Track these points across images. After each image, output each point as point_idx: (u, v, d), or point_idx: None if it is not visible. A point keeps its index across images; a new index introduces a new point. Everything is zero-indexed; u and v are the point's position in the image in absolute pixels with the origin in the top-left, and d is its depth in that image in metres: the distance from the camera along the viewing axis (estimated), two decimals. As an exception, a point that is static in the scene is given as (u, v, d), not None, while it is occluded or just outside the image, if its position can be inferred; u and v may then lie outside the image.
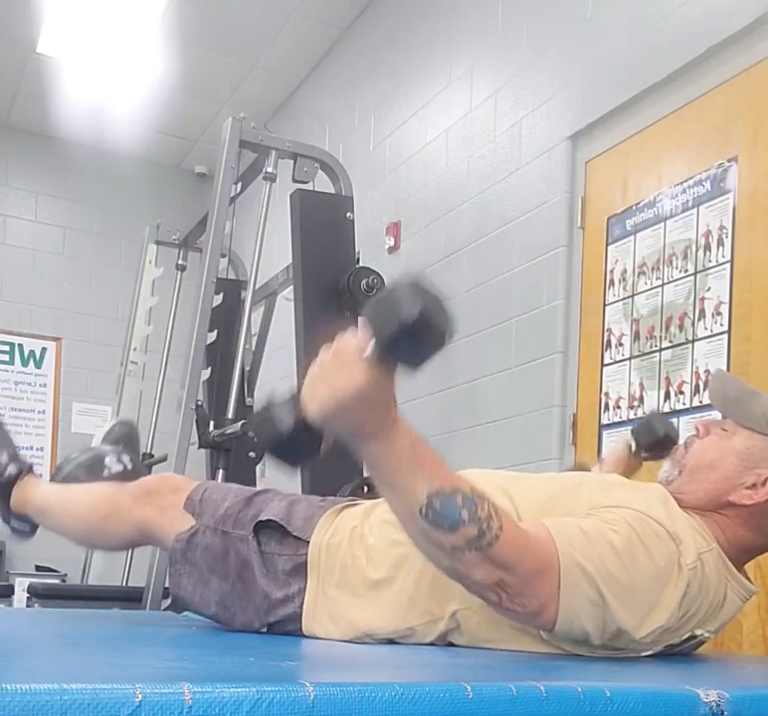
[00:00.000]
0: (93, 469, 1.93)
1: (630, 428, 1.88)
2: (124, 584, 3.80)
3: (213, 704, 0.59)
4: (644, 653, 1.20)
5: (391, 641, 1.31)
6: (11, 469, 1.83)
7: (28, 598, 3.36)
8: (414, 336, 0.96)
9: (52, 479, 1.97)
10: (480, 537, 1.01)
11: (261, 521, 1.41)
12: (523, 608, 1.09)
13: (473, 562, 1.03)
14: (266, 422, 1.05)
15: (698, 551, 1.19)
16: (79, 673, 0.77)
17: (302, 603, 1.35)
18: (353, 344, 1.01)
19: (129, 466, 1.96)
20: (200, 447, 2.93)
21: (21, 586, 3.78)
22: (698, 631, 1.23)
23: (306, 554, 1.36)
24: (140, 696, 0.57)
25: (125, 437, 2.28)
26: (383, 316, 0.97)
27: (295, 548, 1.38)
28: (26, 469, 1.84)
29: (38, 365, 5.50)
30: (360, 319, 1.03)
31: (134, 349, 4.09)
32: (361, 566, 1.33)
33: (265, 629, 1.41)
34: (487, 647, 1.26)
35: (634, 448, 1.71)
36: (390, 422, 1.01)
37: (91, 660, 0.93)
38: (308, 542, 1.37)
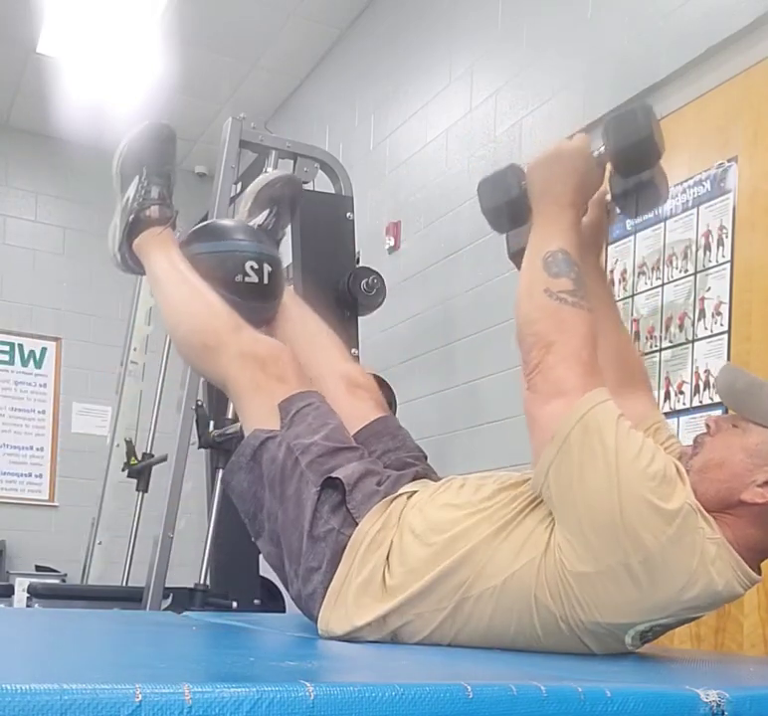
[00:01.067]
0: (225, 264, 1.69)
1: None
2: (124, 584, 3.80)
3: (213, 704, 0.59)
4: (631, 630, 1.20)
5: (393, 638, 1.31)
6: (153, 212, 1.71)
7: (28, 598, 3.36)
8: (636, 153, 1.29)
9: (181, 241, 1.77)
10: (569, 292, 1.25)
11: (330, 478, 1.37)
12: (547, 384, 1.21)
13: (549, 309, 1.25)
14: (493, 186, 1.37)
15: (706, 537, 1.18)
16: (79, 673, 0.77)
17: (328, 583, 1.33)
18: (585, 142, 1.31)
19: (266, 281, 1.70)
20: (200, 446, 2.93)
21: (21, 586, 3.77)
22: (693, 614, 1.23)
23: (348, 537, 1.34)
24: (140, 696, 0.57)
25: (289, 200, 1.91)
26: (622, 129, 1.27)
27: (342, 523, 1.35)
28: (168, 220, 1.71)
29: (38, 365, 5.50)
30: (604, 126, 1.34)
31: (134, 349, 4.09)
32: (383, 571, 1.32)
33: (288, 583, 1.39)
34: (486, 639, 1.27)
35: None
36: (576, 206, 1.31)
37: (91, 660, 0.93)
38: (356, 522, 1.35)
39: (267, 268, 1.71)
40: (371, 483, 1.40)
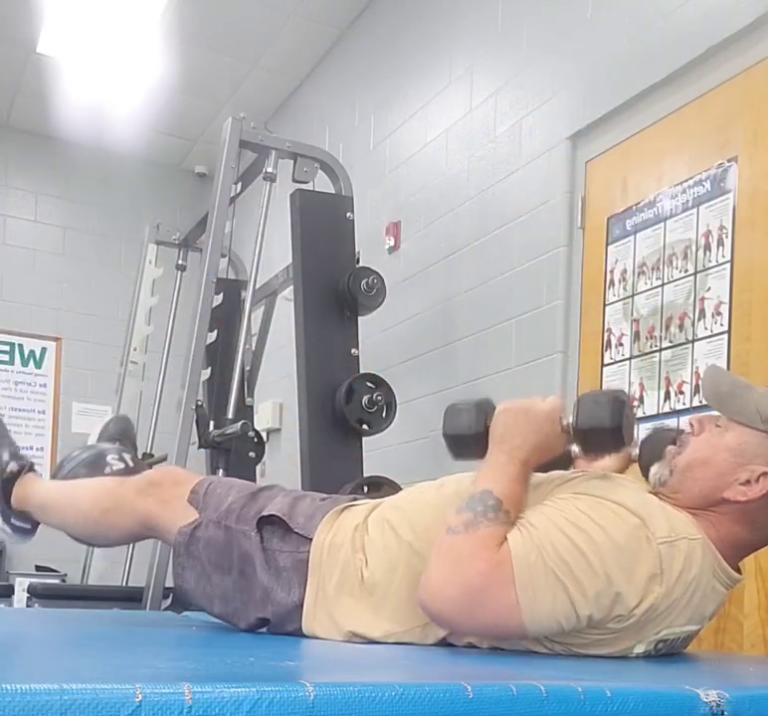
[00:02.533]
0: (94, 467, 1.93)
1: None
2: (124, 584, 3.80)
3: (213, 704, 0.59)
4: (637, 646, 1.21)
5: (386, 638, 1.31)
6: (12, 467, 1.83)
7: (28, 598, 3.36)
8: (603, 437, 1.28)
9: (53, 478, 1.98)
10: (467, 522, 1.18)
11: (264, 516, 1.41)
12: (492, 616, 1.15)
13: (442, 550, 1.18)
14: (458, 416, 1.37)
15: (684, 536, 1.19)
16: (79, 673, 0.77)
17: (302, 602, 1.35)
18: (555, 408, 1.29)
19: (131, 464, 1.96)
20: (200, 446, 2.93)
21: (21, 586, 3.78)
22: (689, 627, 1.24)
23: (307, 552, 1.36)
24: (140, 696, 0.57)
25: (122, 432, 2.26)
26: (591, 413, 1.28)
27: (297, 545, 1.38)
28: (27, 467, 1.84)
29: (38, 365, 5.50)
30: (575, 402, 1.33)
31: (134, 349, 4.09)
32: (359, 567, 1.33)
33: (265, 628, 1.41)
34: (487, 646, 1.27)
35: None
36: (528, 464, 1.27)
37: (91, 660, 0.93)
38: (310, 539, 1.37)
39: (126, 455, 1.99)
40: (306, 505, 1.44)
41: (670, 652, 1.29)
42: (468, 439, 1.35)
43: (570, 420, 1.30)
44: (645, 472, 1.44)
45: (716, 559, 1.23)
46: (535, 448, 1.28)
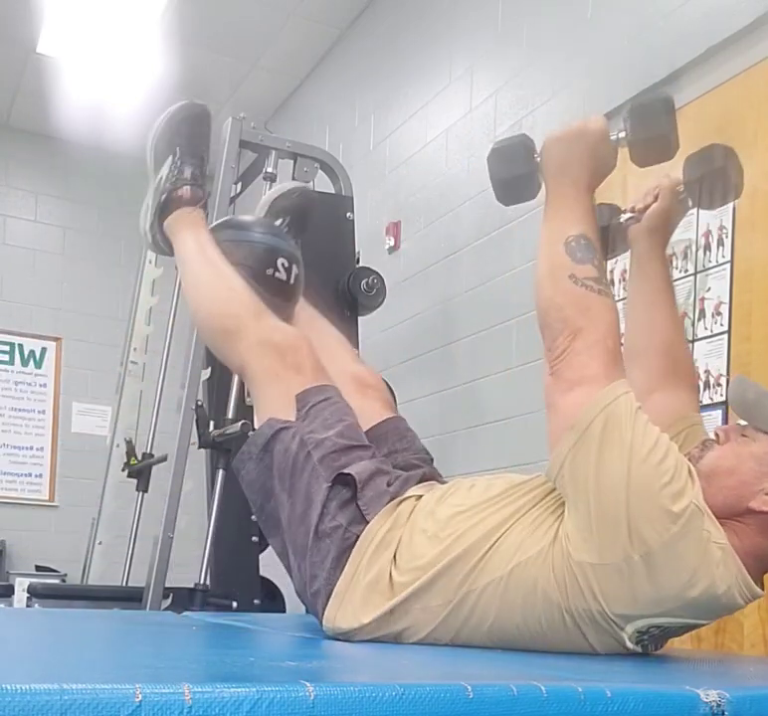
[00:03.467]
0: (259, 256, 1.68)
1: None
2: (124, 584, 3.80)
3: (213, 704, 0.59)
4: (629, 626, 1.21)
5: (397, 636, 1.31)
6: (185, 192, 1.69)
7: (28, 598, 3.36)
8: (653, 147, 1.28)
9: (214, 226, 1.76)
10: (594, 279, 1.24)
11: (342, 474, 1.37)
12: (571, 371, 1.22)
13: (575, 296, 1.24)
14: (505, 157, 1.38)
15: (712, 540, 1.17)
16: (79, 673, 0.77)
17: (333, 580, 1.33)
18: (606, 126, 1.30)
19: (292, 282, 1.69)
20: (200, 446, 2.92)
21: (21, 586, 3.77)
22: (691, 621, 1.23)
23: (355, 535, 1.33)
24: (140, 696, 0.57)
25: (302, 210, 1.92)
26: (644, 120, 1.27)
27: (350, 520, 1.35)
28: (200, 200, 1.70)
29: (38, 365, 5.50)
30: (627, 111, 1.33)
31: (134, 349, 4.09)
32: (390, 568, 1.32)
33: (293, 572, 1.39)
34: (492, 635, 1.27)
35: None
36: (592, 190, 1.30)
37: (91, 660, 0.93)
38: (365, 519, 1.34)
39: (294, 269, 1.70)
40: (381, 483, 1.40)
41: (664, 638, 1.28)
42: (519, 180, 1.36)
43: (620, 135, 1.30)
44: (690, 190, 1.44)
45: (740, 570, 1.20)
46: (595, 173, 1.31)
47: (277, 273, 1.66)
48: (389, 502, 1.37)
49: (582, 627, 1.23)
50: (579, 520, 1.20)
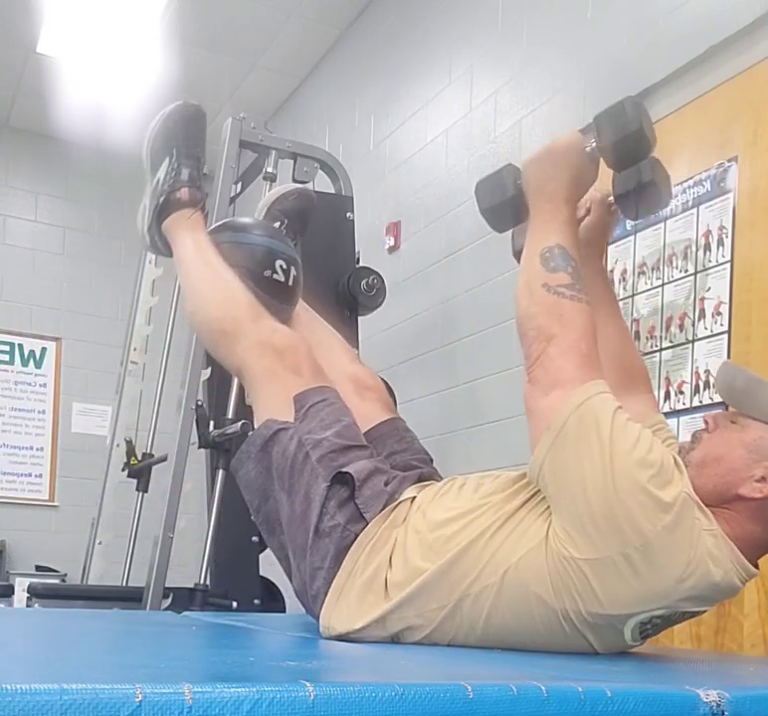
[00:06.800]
0: (257, 258, 1.68)
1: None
2: (124, 584, 3.80)
3: (213, 704, 0.59)
4: (630, 620, 1.20)
5: (394, 638, 1.31)
6: (183, 194, 1.69)
7: (28, 598, 3.36)
8: (627, 147, 1.30)
9: (212, 228, 1.76)
10: (567, 285, 1.27)
11: (340, 473, 1.37)
12: (547, 375, 1.23)
13: (548, 304, 1.27)
14: (489, 187, 1.40)
15: (703, 528, 1.19)
16: (79, 673, 0.77)
17: (331, 579, 1.34)
18: (576, 138, 1.34)
19: (290, 283, 1.69)
20: (200, 446, 2.92)
21: (21, 586, 3.78)
22: (691, 608, 1.23)
23: (353, 532, 1.34)
24: (140, 696, 0.57)
25: (301, 213, 1.92)
26: (611, 123, 1.31)
27: (348, 519, 1.35)
28: (198, 202, 1.70)
29: (38, 365, 5.50)
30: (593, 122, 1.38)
31: (134, 349, 4.09)
32: (386, 570, 1.32)
33: (292, 573, 1.40)
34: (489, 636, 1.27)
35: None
36: (572, 201, 1.33)
37: (91, 660, 0.93)
38: (363, 518, 1.35)
39: (293, 271, 1.70)
40: (379, 482, 1.40)
41: (666, 625, 1.28)
42: (505, 205, 1.38)
43: (593, 144, 1.34)
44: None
45: (733, 552, 1.21)
46: (572, 184, 1.34)
47: (275, 275, 1.66)
48: (387, 501, 1.38)
49: (581, 629, 1.23)
50: (567, 520, 1.21)
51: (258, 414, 1.48)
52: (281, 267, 1.67)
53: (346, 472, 1.37)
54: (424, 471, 1.55)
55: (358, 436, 1.49)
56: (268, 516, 1.45)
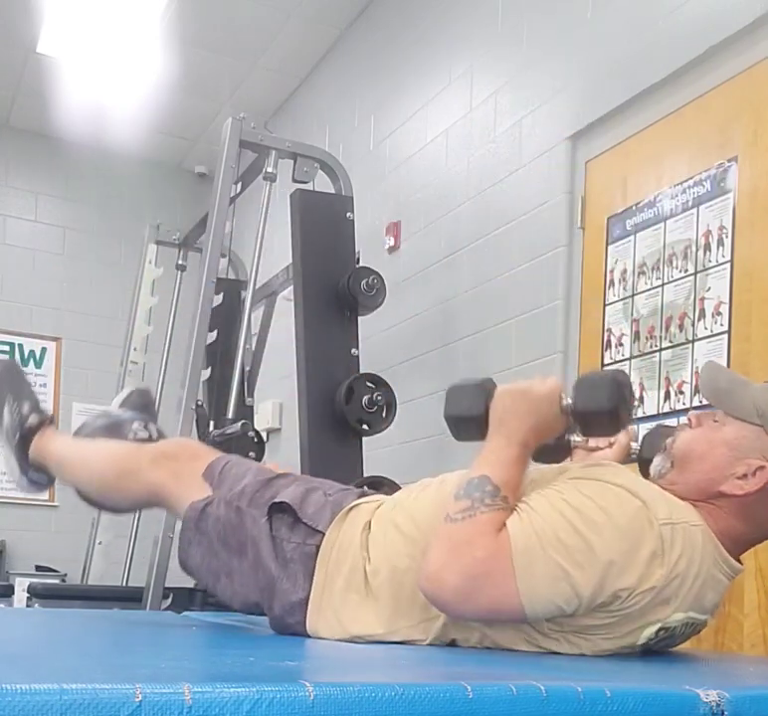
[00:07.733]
0: (116, 432, 1.91)
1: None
2: (124, 584, 3.81)
3: (213, 704, 0.59)
4: (641, 636, 1.20)
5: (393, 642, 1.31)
6: (33, 420, 1.86)
7: (28, 598, 3.36)
8: (602, 419, 1.28)
9: (88, 423, 1.99)
10: (465, 509, 1.20)
11: (275, 503, 1.41)
12: (491, 601, 1.17)
13: (442, 535, 1.20)
14: (459, 397, 1.36)
15: (685, 520, 1.20)
16: (79, 673, 0.77)
17: (307, 597, 1.35)
18: (555, 390, 1.29)
19: (155, 437, 1.91)
20: (200, 447, 2.93)
21: (21, 586, 3.78)
22: (693, 614, 1.23)
23: (314, 546, 1.36)
24: (140, 696, 0.57)
25: (145, 407, 2.20)
26: (590, 392, 1.28)
27: (304, 536, 1.38)
28: (47, 420, 1.87)
29: (38, 365, 5.50)
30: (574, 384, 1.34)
31: (134, 349, 4.10)
32: (364, 565, 1.33)
33: (268, 613, 1.41)
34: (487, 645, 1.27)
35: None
36: (527, 445, 1.28)
37: (91, 660, 0.93)
38: (318, 531, 1.37)
39: (151, 428, 1.95)
40: (318, 497, 1.44)
41: (671, 643, 1.28)
42: (468, 420, 1.34)
43: (569, 401, 1.30)
44: (644, 468, 1.44)
45: (717, 548, 1.23)
46: (534, 430, 1.29)
47: (138, 435, 1.92)
48: (334, 510, 1.40)
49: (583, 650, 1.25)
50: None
51: (180, 509, 1.53)
52: (139, 427, 1.94)
53: (281, 502, 1.41)
54: (359, 490, 1.57)
55: (272, 471, 1.56)
56: (225, 589, 1.47)
